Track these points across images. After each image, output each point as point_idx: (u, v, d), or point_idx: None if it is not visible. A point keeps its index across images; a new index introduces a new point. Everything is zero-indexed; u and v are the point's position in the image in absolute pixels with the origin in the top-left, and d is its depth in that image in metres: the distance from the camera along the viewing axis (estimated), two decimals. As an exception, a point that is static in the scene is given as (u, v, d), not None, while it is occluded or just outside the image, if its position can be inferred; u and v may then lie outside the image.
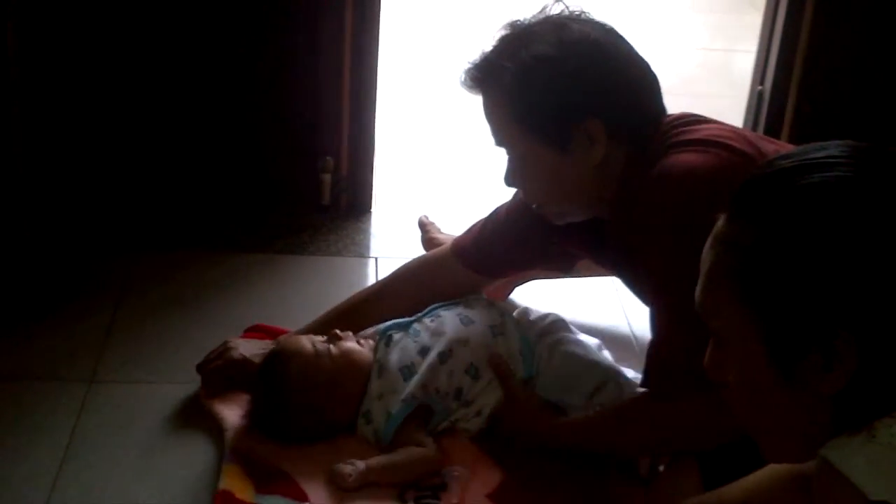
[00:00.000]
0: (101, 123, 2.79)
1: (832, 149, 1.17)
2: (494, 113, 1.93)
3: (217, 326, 2.37)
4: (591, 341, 2.20)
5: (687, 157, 1.81)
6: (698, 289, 1.24)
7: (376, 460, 1.95)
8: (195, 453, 2.02)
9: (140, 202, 2.83)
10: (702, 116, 1.94)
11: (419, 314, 2.18)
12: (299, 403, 2.00)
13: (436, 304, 2.20)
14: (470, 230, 2.28)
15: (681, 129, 1.89)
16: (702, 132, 1.86)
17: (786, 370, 1.15)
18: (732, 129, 1.91)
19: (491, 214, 2.25)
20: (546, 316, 2.20)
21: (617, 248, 1.98)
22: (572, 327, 2.21)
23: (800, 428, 1.20)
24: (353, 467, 1.92)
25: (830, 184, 1.14)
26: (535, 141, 1.90)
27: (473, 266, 2.25)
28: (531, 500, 1.94)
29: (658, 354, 1.84)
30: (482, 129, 1.94)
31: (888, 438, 1.10)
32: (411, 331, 2.13)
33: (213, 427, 2.07)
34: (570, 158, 1.90)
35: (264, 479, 1.92)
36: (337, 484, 1.91)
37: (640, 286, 2.02)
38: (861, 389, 1.13)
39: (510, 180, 2.00)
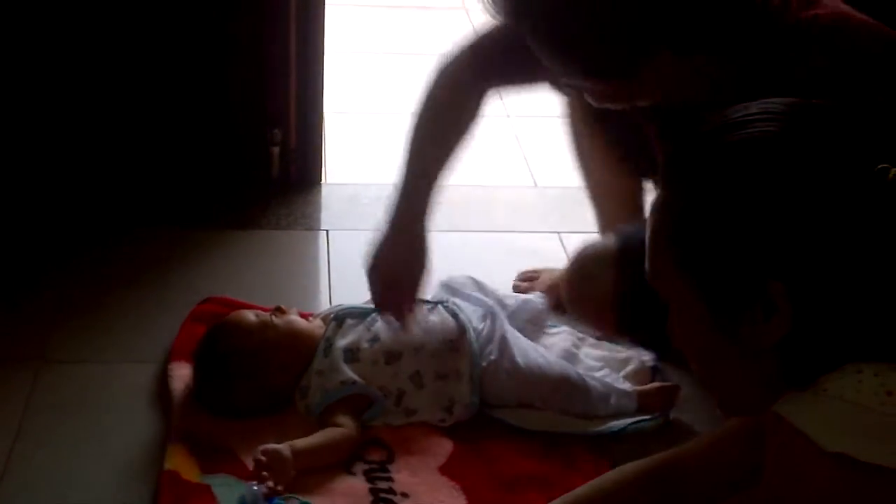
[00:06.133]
0: (45, 103, 2.75)
1: (753, 107, 1.19)
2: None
3: (167, 303, 2.37)
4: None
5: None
6: (646, 257, 1.25)
7: (300, 444, 1.90)
8: (146, 432, 2.02)
9: (85, 180, 2.80)
10: None
11: None
12: (239, 371, 2.01)
13: None
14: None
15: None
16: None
17: (727, 327, 1.18)
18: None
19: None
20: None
21: None
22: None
23: (750, 384, 1.22)
24: (279, 455, 1.86)
25: (747, 140, 1.16)
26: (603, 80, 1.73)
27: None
28: (483, 473, 1.94)
29: None
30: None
31: (839, 391, 1.12)
32: (368, 319, 2.12)
33: (165, 405, 2.07)
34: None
35: (209, 458, 1.92)
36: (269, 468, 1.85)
37: None
38: (802, 342, 1.15)
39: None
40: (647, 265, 1.26)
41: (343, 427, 1.96)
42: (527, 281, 2.49)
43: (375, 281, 2.07)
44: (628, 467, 1.53)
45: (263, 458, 1.84)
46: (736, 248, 1.15)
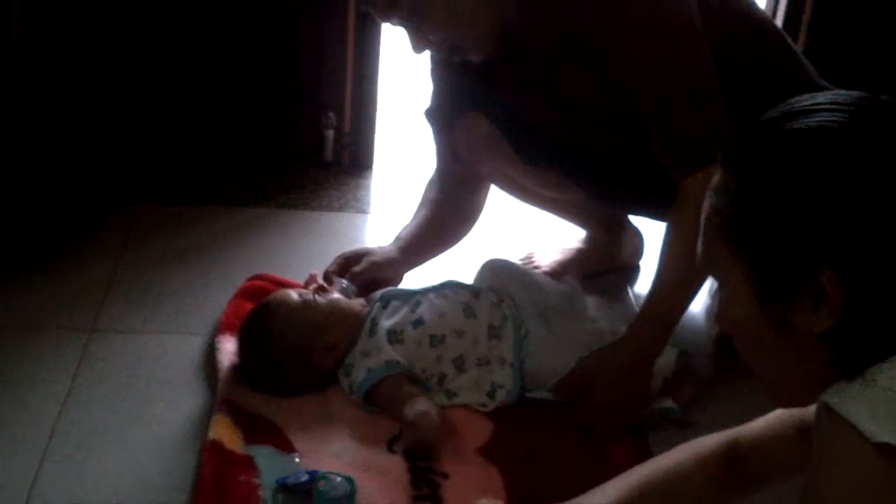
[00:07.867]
0: (105, 75, 2.80)
1: (820, 97, 1.20)
2: None
3: (217, 279, 2.40)
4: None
5: None
6: (699, 240, 1.25)
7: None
8: (192, 403, 2.05)
9: (144, 155, 2.85)
10: None
11: (427, 287, 2.18)
12: (285, 351, 2.03)
13: (447, 281, 2.19)
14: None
15: None
16: None
17: (777, 313, 1.19)
18: None
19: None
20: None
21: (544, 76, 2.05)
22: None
23: (800, 374, 1.23)
24: (434, 419, 1.91)
25: (813, 128, 1.16)
26: None
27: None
28: (522, 454, 1.95)
29: (683, 131, 1.92)
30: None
31: (888, 382, 1.12)
32: (412, 302, 2.13)
33: (211, 377, 2.09)
34: None
35: (253, 430, 1.93)
36: (425, 423, 1.90)
37: (598, 98, 2.01)
38: (853, 332, 1.15)
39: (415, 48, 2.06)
40: (699, 249, 1.26)
41: (429, 402, 1.97)
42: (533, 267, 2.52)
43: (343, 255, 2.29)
44: (686, 447, 1.54)
45: (417, 419, 1.88)
46: (791, 232, 1.15)
